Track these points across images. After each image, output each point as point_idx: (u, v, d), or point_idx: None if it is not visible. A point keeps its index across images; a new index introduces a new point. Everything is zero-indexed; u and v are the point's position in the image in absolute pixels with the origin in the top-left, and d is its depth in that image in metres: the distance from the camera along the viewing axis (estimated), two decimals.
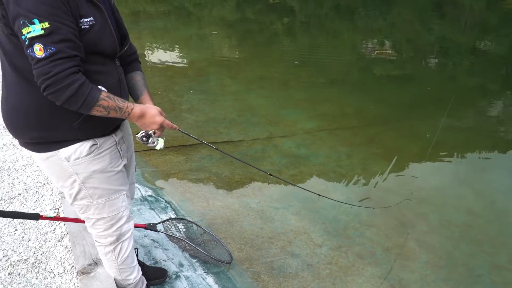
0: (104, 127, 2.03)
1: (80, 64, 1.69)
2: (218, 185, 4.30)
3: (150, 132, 2.06)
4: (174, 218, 3.42)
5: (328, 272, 3.19)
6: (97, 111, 1.73)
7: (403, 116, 6.44)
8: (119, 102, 1.79)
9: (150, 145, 2.08)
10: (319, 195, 3.07)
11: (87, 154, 2.00)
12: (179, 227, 3.39)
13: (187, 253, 3.19)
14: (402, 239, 3.67)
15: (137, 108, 1.86)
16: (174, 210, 3.78)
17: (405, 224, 3.89)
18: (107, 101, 1.73)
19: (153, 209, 3.71)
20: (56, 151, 1.96)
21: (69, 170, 2.01)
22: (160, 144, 2.08)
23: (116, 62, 2.05)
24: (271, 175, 2.66)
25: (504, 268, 3.42)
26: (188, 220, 3.47)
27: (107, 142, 2.07)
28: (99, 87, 1.79)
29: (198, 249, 3.11)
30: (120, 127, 2.17)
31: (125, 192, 2.24)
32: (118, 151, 2.15)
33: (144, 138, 2.07)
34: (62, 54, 1.61)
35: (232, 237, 3.51)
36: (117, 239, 2.27)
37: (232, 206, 3.94)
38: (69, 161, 1.98)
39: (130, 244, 2.36)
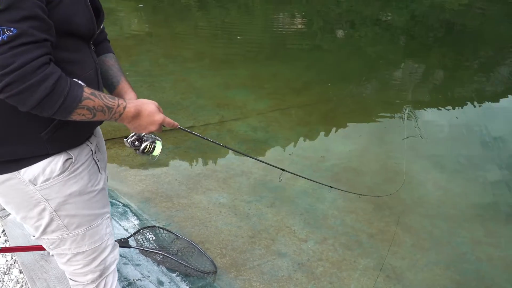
0: (80, 134, 1.54)
1: (51, 52, 1.19)
2: (178, 180, 3.83)
3: (143, 135, 1.60)
4: (145, 228, 2.94)
5: (322, 270, 2.94)
6: (79, 115, 1.26)
7: (348, 90, 6.35)
8: (108, 99, 1.33)
9: (142, 152, 1.62)
10: (331, 187, 2.76)
11: (61, 173, 1.50)
12: (148, 236, 2.92)
13: (164, 267, 2.74)
14: (383, 223, 3.52)
15: (130, 106, 1.40)
16: (135, 214, 3.27)
17: (380, 206, 3.74)
18: (92, 100, 1.27)
19: (113, 218, 3.17)
20: (15, 173, 1.45)
21: (36, 197, 1.50)
22: (157, 149, 1.62)
23: (91, 46, 1.55)
24: (284, 170, 2.31)
25: (483, 243, 3.41)
26: (158, 227, 3.01)
27: (83, 154, 1.58)
28: (77, 81, 1.29)
29: (177, 261, 2.68)
30: (94, 131, 1.67)
31: (108, 214, 1.77)
32: (96, 162, 1.67)
33: (135, 143, 1.61)
34: (26, 38, 1.11)
35: (209, 240, 3.11)
36: (101, 275, 1.78)
37: (200, 204, 3.52)
38: (35, 184, 1.47)
39: (115, 276, 1.89)
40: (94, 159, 1.65)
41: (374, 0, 11.31)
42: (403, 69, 7.21)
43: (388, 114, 5.62)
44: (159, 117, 1.48)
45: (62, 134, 1.43)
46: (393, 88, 6.49)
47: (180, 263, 2.67)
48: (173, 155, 4.21)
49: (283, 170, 2.34)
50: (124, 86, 1.69)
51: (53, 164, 1.47)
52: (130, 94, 1.68)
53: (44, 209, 1.53)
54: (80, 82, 1.28)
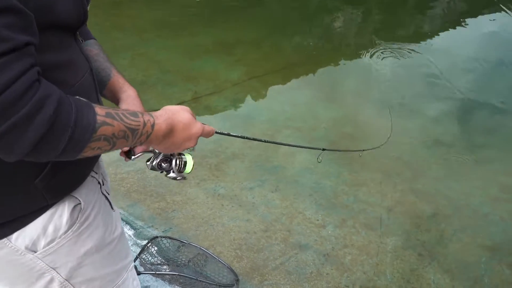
0: (86, 166, 1.11)
1: (36, 60, 0.74)
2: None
3: (178, 154, 1.17)
4: (147, 243, 2.50)
5: (350, 258, 2.65)
6: (92, 150, 0.83)
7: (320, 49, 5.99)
8: (129, 118, 0.88)
9: (174, 174, 1.17)
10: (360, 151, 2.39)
11: (69, 228, 1.08)
12: (151, 250, 2.51)
13: (177, 286, 2.35)
14: (397, 193, 3.27)
15: (160, 121, 0.96)
16: (127, 223, 2.82)
17: (389, 174, 3.48)
18: (110, 123, 0.83)
19: None
20: (3, 240, 1.00)
21: (39, 267, 1.07)
22: (190, 163, 1.17)
23: (78, 38, 1.07)
24: (324, 149, 1.94)
25: (501, 200, 3.25)
26: (160, 237, 2.59)
27: (91, 191, 1.16)
28: (82, 99, 0.83)
29: (196, 279, 2.29)
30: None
31: (132, 263, 1.34)
32: (106, 198, 1.24)
33: (162, 165, 1.16)
34: (2, 45, 0.68)
35: (220, 242, 2.72)
36: None
37: (198, 199, 3.10)
38: (35, 251, 1.03)
39: None
40: (103, 193, 1.22)
41: None
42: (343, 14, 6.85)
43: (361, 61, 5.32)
44: (197, 128, 1.06)
45: (64, 174, 0.99)
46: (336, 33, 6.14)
47: (200, 281, 2.28)
48: None
49: (323, 149, 1.94)
50: (118, 80, 1.24)
51: (57, 217, 1.04)
52: (128, 91, 1.23)
53: (51, 280, 1.10)
54: (84, 100, 0.82)
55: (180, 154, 1.16)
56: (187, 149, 1.09)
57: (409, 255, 2.69)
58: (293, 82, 5.00)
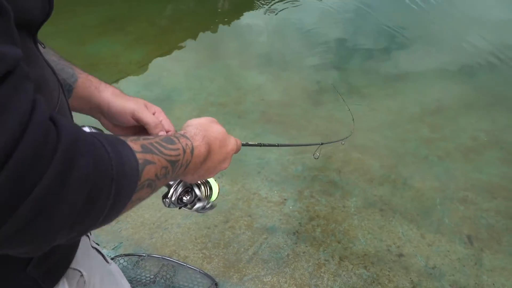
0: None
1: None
2: None
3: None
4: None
5: (320, 230, 2.57)
6: (132, 203, 0.59)
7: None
8: (167, 147, 0.64)
9: (201, 204, 0.90)
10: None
11: None
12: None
13: None
14: (341, 153, 3.25)
15: (198, 141, 0.73)
16: None
17: (324, 134, 3.45)
18: (151, 161, 0.59)
19: None
20: None
21: None
22: (215, 188, 0.93)
23: (41, 44, 0.75)
24: (323, 143, 1.73)
25: (434, 140, 3.40)
26: (114, 257, 2.26)
27: (85, 252, 0.89)
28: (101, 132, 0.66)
29: None
30: None
31: None
32: (96, 250, 0.98)
33: (184, 198, 0.89)
34: None
35: (182, 246, 2.46)
36: None
37: (142, 202, 2.76)
38: None
39: None
40: (94, 247, 0.95)
41: None
42: None
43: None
44: (232, 144, 0.84)
45: (59, 253, 0.74)
46: None
47: None
48: None
49: (322, 143, 1.73)
50: (89, 79, 0.92)
51: None
52: (108, 89, 0.92)
53: None
54: (106, 133, 0.61)
55: (205, 181, 0.92)
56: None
57: (373, 213, 2.69)
58: (205, 54, 4.70)
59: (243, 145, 0.95)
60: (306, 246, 2.45)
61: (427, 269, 2.29)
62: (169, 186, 0.87)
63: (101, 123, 0.93)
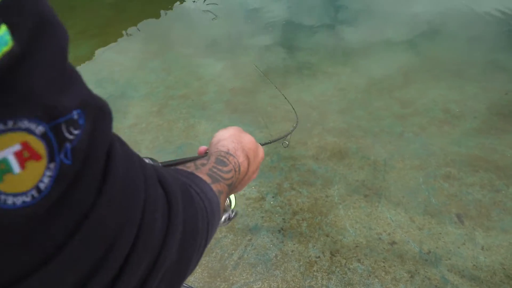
0: None
1: None
2: None
3: None
4: None
5: (306, 224, 2.42)
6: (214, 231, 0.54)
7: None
8: (224, 171, 0.61)
9: (226, 215, 0.85)
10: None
11: None
12: None
13: None
14: (314, 138, 3.10)
15: (241, 158, 0.69)
16: None
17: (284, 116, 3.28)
18: (221, 191, 0.56)
19: None
20: None
21: None
22: (233, 200, 0.89)
23: None
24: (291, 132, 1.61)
25: (406, 115, 3.31)
26: None
27: None
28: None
29: None
30: None
31: None
32: None
33: None
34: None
35: None
36: None
37: None
38: None
39: None
40: None
41: None
42: None
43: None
44: (262, 151, 0.79)
45: None
46: None
47: None
48: None
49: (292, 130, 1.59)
50: None
51: None
52: None
53: None
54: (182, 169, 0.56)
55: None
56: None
57: (357, 200, 2.57)
58: (155, 44, 4.39)
59: (263, 144, 0.91)
60: (294, 244, 2.29)
61: (422, 255, 2.19)
62: None
63: None
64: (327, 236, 2.33)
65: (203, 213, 0.44)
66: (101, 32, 4.58)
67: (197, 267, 2.17)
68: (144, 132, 3.17)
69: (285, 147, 1.81)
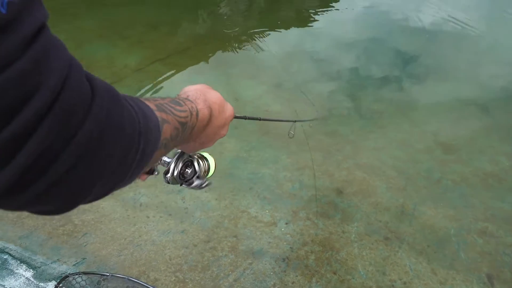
0: None
1: None
2: None
3: (196, 154, 0.87)
4: (58, 284, 1.85)
5: (314, 257, 2.23)
6: (154, 161, 0.55)
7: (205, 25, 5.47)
8: (176, 108, 0.60)
9: (199, 181, 0.85)
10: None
11: None
12: None
13: None
14: (343, 171, 2.92)
15: (201, 105, 0.69)
16: (22, 261, 2.11)
17: (328, 151, 3.13)
18: (166, 120, 0.55)
19: None
20: None
21: None
22: (212, 163, 0.88)
23: None
24: (296, 121, 1.73)
25: (448, 162, 3.05)
26: (71, 274, 1.93)
27: None
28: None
29: None
30: None
31: None
32: None
33: (186, 173, 0.83)
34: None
35: (153, 266, 2.13)
36: None
37: (115, 214, 2.46)
38: None
39: None
40: None
41: None
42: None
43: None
44: (230, 109, 0.80)
45: None
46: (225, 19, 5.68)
47: None
48: None
49: (294, 121, 1.63)
50: None
51: None
52: None
53: None
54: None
55: (201, 156, 0.87)
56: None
57: (376, 241, 2.34)
58: (202, 63, 4.44)
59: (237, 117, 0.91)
60: (296, 276, 2.11)
61: None
62: (162, 162, 0.81)
63: None
64: (335, 273, 2.13)
65: (132, 120, 0.43)
66: (154, 45, 4.70)
67: (189, 282, 2.04)
68: None
69: (290, 138, 1.75)
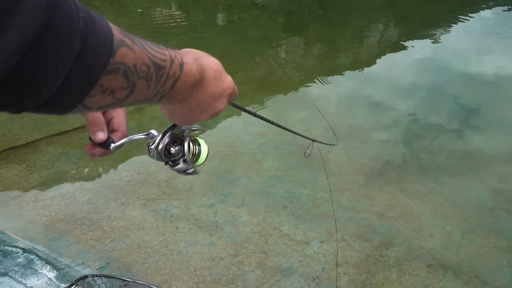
0: None
1: None
2: (103, 196, 2.67)
3: (182, 130, 0.78)
4: (72, 284, 1.81)
5: (348, 279, 2.06)
6: (103, 94, 0.44)
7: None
8: (152, 46, 0.50)
9: (184, 165, 0.78)
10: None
11: None
12: None
13: None
14: (386, 195, 2.75)
15: (189, 59, 0.58)
16: (47, 262, 2.10)
17: (371, 175, 2.97)
18: (129, 46, 0.45)
19: (10, 276, 1.98)
20: None
21: None
22: (204, 151, 0.81)
23: None
24: (315, 140, 1.56)
25: (503, 191, 2.80)
26: (92, 275, 1.90)
27: None
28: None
29: None
30: None
31: None
32: None
33: (172, 149, 0.76)
34: None
35: (176, 276, 2.06)
36: None
37: (145, 223, 2.43)
38: None
39: None
40: None
41: None
42: (286, 45, 6.37)
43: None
44: (229, 81, 0.69)
45: None
46: (279, 64, 5.64)
47: None
48: (85, 161, 3.01)
49: (313, 140, 1.52)
50: None
51: None
52: None
53: None
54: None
55: (194, 139, 0.81)
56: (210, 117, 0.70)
57: (418, 268, 2.14)
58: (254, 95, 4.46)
59: (234, 105, 0.79)
60: None
61: None
62: (149, 136, 0.76)
63: None
64: None
65: (71, 15, 0.36)
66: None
67: (214, 285, 1.94)
68: (210, 158, 3.10)
69: (306, 157, 1.66)
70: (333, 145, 2.25)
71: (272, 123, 1.08)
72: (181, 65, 0.56)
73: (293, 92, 4.48)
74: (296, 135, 1.34)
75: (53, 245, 2.23)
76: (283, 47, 6.33)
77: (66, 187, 2.74)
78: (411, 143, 3.45)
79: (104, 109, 0.49)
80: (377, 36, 6.79)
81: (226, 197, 2.68)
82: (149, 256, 2.18)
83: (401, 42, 6.22)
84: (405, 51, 5.92)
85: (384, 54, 5.95)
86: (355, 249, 2.27)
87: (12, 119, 3.54)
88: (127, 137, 0.76)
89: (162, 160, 0.75)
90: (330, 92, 4.53)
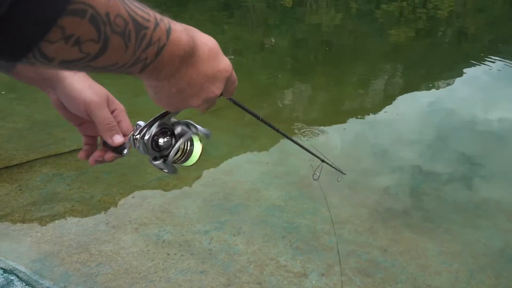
0: None
1: None
2: (93, 218, 2.56)
3: (173, 122, 0.72)
4: None
5: None
6: (67, 40, 0.37)
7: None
8: (133, 3, 0.44)
9: (173, 160, 0.72)
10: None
11: None
12: None
13: None
14: (389, 229, 2.62)
15: (178, 28, 0.51)
16: (27, 284, 1.97)
17: (375, 209, 2.85)
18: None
19: None
20: None
21: None
22: (197, 150, 0.74)
23: None
24: (324, 161, 1.46)
25: None
26: None
27: None
28: None
29: None
30: None
31: None
32: None
33: (160, 141, 0.68)
34: None
35: None
36: None
37: (135, 247, 2.30)
38: None
39: None
40: None
41: (256, 28, 10.45)
42: (293, 90, 6.38)
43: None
44: (226, 63, 0.62)
45: None
46: (286, 108, 5.61)
47: None
48: (79, 183, 2.91)
49: (323, 161, 1.42)
50: None
51: None
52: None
53: None
54: None
55: (189, 138, 0.74)
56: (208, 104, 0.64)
57: None
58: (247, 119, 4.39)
59: (234, 102, 0.74)
60: None
61: None
62: (138, 128, 0.68)
63: (50, 101, 0.76)
64: None
65: None
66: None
67: None
68: (208, 185, 3.01)
69: (315, 180, 1.57)
70: (342, 173, 2.11)
71: (278, 131, 0.99)
72: (168, 30, 0.49)
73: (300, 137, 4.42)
74: (303, 151, 1.22)
75: (35, 266, 2.10)
76: (291, 89, 6.32)
77: (57, 208, 2.63)
78: (417, 179, 3.33)
79: (71, 67, 0.42)
80: (380, 84, 6.79)
81: (222, 224, 2.56)
82: (136, 282, 2.04)
83: (405, 92, 6.18)
84: (409, 99, 5.86)
85: (389, 102, 5.86)
86: (356, 284, 2.13)
87: (9, 139, 3.48)
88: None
89: (149, 154, 0.67)
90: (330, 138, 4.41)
